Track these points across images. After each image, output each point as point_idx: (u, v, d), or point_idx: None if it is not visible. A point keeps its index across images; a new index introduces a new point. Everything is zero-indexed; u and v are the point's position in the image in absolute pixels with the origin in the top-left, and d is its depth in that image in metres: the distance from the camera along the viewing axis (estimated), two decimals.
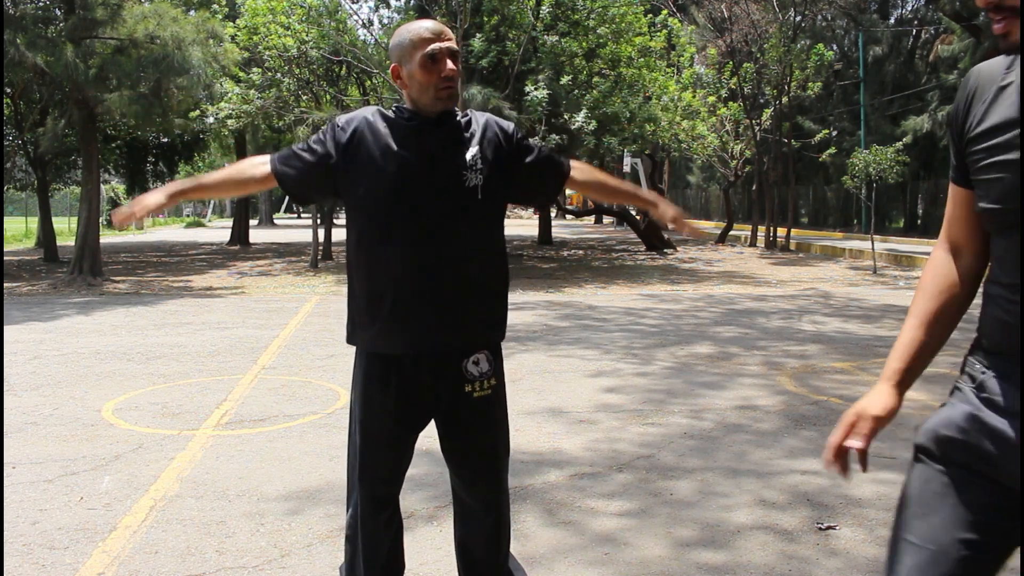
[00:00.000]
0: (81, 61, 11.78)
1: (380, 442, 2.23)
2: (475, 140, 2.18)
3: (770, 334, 8.02)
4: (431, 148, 2.15)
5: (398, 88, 2.20)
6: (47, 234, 18.72)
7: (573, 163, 2.37)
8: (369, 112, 2.21)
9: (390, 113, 2.20)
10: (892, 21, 30.54)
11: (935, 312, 1.48)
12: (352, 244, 2.22)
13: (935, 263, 1.51)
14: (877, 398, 1.48)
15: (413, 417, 2.24)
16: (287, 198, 60.94)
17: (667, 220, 2.35)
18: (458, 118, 2.21)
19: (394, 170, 2.12)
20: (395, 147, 2.13)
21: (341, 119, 2.21)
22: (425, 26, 2.13)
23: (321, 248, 17.46)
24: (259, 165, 2.27)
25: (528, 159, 2.26)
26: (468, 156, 2.15)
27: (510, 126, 2.27)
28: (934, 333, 1.48)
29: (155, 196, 2.19)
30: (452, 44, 2.13)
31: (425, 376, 2.19)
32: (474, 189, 2.14)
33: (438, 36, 2.11)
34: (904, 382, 1.49)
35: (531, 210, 43.37)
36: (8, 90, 16.38)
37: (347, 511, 2.33)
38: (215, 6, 15.79)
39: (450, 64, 2.11)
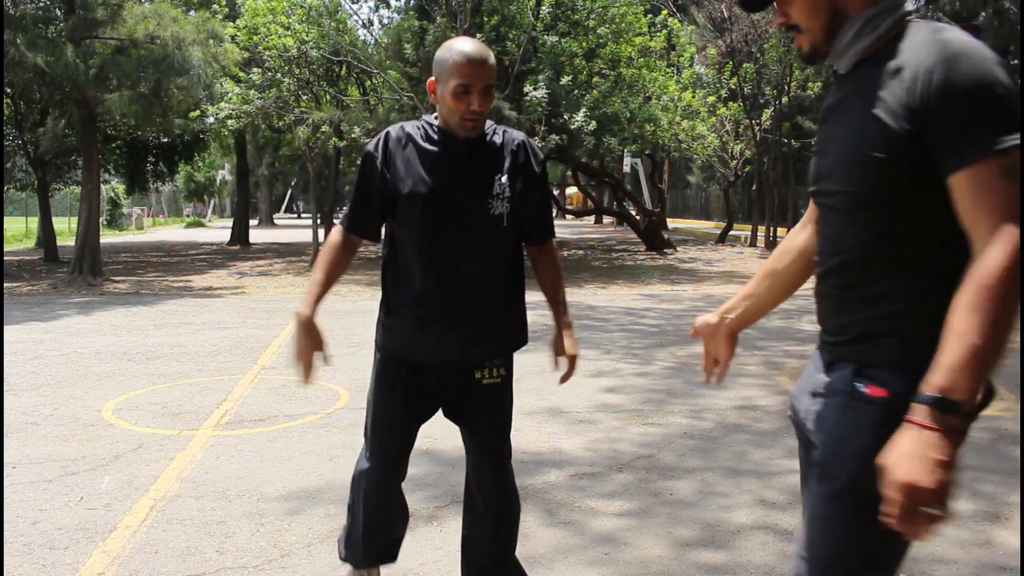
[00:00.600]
0: (81, 61, 11.78)
1: (385, 426, 2.32)
2: (506, 166, 2.18)
3: (770, 334, 8.02)
4: (459, 175, 2.15)
5: (431, 101, 2.19)
6: (47, 234, 18.71)
7: (552, 243, 2.39)
8: (393, 131, 2.20)
9: (416, 132, 2.19)
10: None
11: (772, 271, 1.69)
12: (384, 254, 2.28)
13: (792, 232, 1.70)
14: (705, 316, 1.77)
15: (419, 407, 2.33)
16: (287, 198, 61.19)
17: (559, 350, 2.37)
18: (490, 138, 2.20)
19: (422, 194, 2.13)
20: (423, 172, 2.14)
21: (369, 146, 2.21)
22: (468, 52, 2.07)
23: (321, 248, 17.46)
24: (336, 236, 2.30)
25: (535, 197, 2.25)
26: (496, 186, 2.15)
27: (540, 156, 2.27)
28: (765, 287, 1.70)
29: (302, 329, 2.20)
30: (488, 80, 2.09)
31: (435, 372, 2.28)
32: (500, 217, 2.16)
33: (477, 68, 2.06)
34: (729, 313, 1.73)
35: None
36: (8, 90, 16.37)
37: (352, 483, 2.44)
38: (215, 6, 15.79)
39: (480, 100, 2.08)
